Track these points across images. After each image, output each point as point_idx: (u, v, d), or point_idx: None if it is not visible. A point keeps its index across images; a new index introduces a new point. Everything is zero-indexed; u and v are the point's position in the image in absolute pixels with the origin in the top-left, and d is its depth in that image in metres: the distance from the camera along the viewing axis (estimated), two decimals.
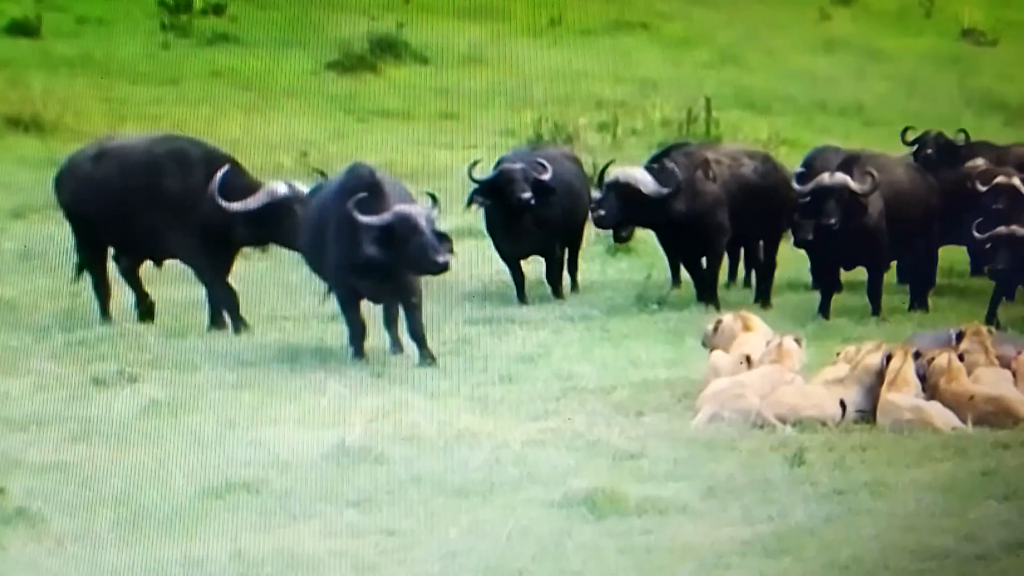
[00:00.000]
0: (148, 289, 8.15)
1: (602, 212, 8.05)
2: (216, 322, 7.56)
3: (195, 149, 7.64)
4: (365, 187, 6.86)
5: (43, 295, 8.12)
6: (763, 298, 8.72)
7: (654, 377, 6.85)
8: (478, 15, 16.31)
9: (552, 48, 15.73)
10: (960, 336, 6.72)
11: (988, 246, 8.31)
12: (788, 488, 5.38)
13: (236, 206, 7.25)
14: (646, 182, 8.16)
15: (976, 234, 8.41)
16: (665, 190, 8.18)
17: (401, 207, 6.78)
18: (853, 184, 8.32)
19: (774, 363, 6.53)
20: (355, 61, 14.55)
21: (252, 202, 7.30)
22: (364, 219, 6.67)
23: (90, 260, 7.84)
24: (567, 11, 16.62)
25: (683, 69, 15.52)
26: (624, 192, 8.10)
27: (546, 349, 7.36)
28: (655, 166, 8.32)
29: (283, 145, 9.54)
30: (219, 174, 7.29)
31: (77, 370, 6.76)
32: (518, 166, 8.38)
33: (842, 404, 6.26)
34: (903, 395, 6.28)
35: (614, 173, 8.21)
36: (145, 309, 7.79)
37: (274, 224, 7.35)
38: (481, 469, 5.52)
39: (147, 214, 7.51)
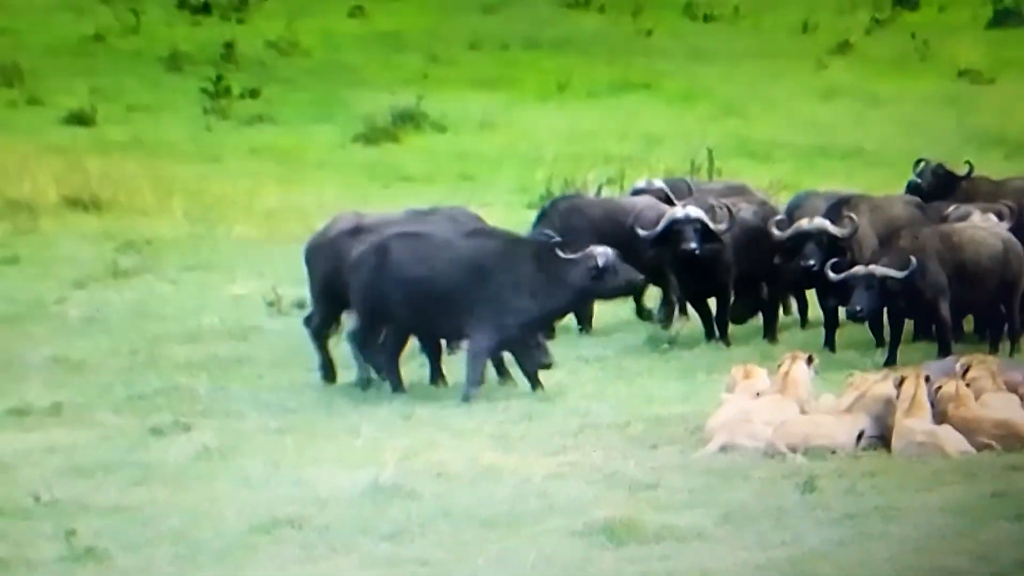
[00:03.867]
0: (193, 347, 8.32)
1: (693, 245, 8.20)
2: (535, 385, 7.31)
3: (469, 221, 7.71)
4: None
5: (105, 355, 8.34)
6: (770, 334, 8.80)
7: (667, 412, 6.91)
8: (491, 85, 16.69)
9: (561, 111, 16.05)
10: (967, 369, 6.65)
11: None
12: (801, 514, 5.36)
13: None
14: (709, 220, 8.36)
15: (831, 275, 7.90)
16: (723, 226, 8.37)
17: (593, 248, 7.33)
18: (832, 228, 8.42)
19: (778, 392, 6.53)
20: (379, 133, 14.97)
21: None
22: (564, 255, 7.21)
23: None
24: (574, 76, 16.96)
25: (686, 123, 15.71)
26: (701, 227, 8.29)
27: (563, 388, 7.46)
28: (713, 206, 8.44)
29: (316, 213, 9.84)
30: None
31: (137, 421, 6.95)
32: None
33: (859, 435, 6.17)
34: (919, 420, 6.21)
35: (683, 211, 8.35)
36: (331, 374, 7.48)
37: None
38: (506, 502, 5.62)
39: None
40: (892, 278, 7.91)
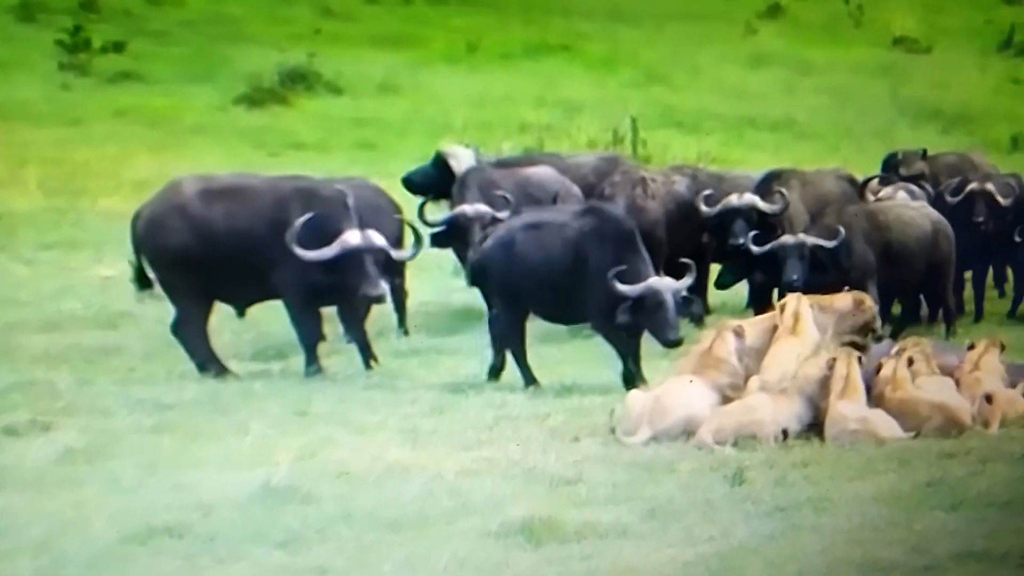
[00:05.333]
0: (52, 337, 8.14)
1: None
2: (311, 368, 7.52)
3: (324, 187, 7.58)
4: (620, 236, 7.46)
5: None
6: (697, 318, 9.01)
7: (589, 402, 7.02)
8: (393, 43, 16.57)
9: (471, 74, 16.06)
10: (900, 352, 6.87)
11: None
12: (729, 507, 5.49)
13: (310, 255, 7.19)
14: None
15: (753, 248, 8.25)
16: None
17: (654, 280, 7.34)
18: (762, 204, 8.80)
19: (697, 373, 6.56)
20: (264, 94, 14.73)
21: (326, 252, 7.20)
22: (622, 288, 7.26)
23: (197, 313, 7.44)
24: (485, 36, 16.98)
25: (608, 90, 15.91)
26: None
27: (477, 379, 7.52)
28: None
29: None
30: (299, 220, 7.18)
31: None
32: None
33: (784, 433, 6.35)
34: (852, 405, 6.40)
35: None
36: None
37: (341, 276, 7.26)
38: (414, 502, 5.61)
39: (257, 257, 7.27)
40: (823, 247, 8.21)
